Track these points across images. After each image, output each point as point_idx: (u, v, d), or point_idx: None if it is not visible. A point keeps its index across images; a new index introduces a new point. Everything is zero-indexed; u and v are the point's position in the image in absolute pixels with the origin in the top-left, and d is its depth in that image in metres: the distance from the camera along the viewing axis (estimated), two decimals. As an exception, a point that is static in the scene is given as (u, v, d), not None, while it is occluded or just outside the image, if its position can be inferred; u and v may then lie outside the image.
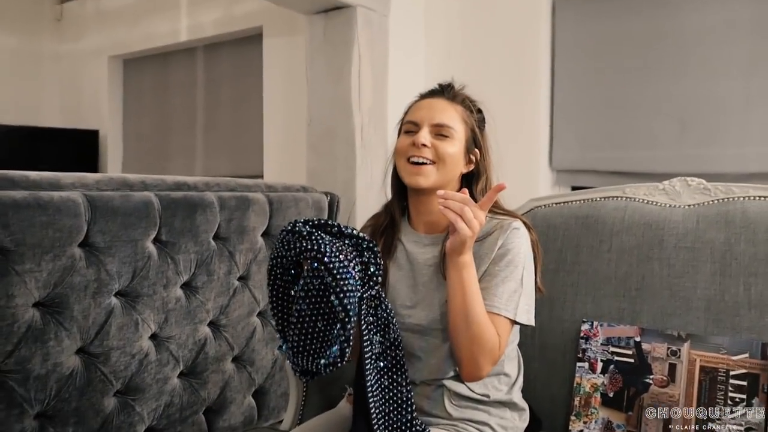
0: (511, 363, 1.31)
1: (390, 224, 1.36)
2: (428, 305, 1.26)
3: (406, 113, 1.34)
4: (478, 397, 1.25)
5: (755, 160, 2.31)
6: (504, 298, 1.20)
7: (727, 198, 1.39)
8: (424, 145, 1.24)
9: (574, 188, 2.79)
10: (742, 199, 1.38)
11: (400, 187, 1.35)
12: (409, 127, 1.29)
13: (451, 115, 1.27)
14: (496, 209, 1.30)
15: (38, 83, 4.45)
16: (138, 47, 3.99)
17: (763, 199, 1.36)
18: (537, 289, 1.28)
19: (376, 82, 2.72)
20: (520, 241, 1.25)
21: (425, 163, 1.25)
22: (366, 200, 2.54)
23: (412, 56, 2.98)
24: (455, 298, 1.17)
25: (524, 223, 1.28)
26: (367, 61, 2.68)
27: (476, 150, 1.31)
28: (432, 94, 1.33)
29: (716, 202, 1.40)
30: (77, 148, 4.16)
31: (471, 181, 1.32)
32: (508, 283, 1.21)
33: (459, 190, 1.28)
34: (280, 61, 3.25)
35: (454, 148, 1.26)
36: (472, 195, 1.27)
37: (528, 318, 1.23)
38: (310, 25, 2.77)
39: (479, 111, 1.34)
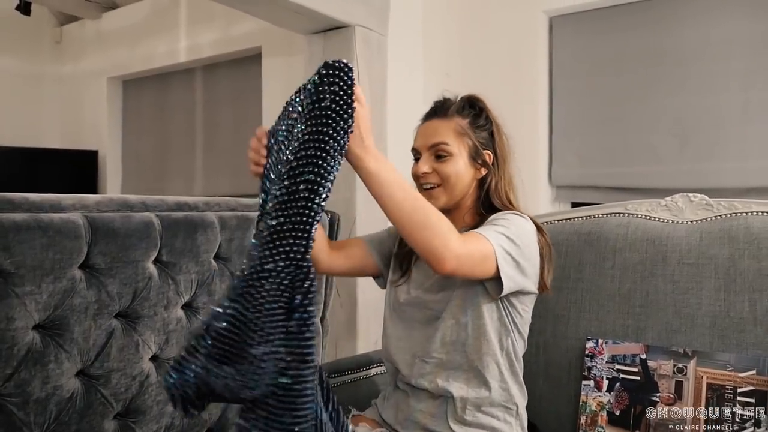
0: (520, 392, 1.32)
1: None
2: (430, 283, 1.33)
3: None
4: (485, 409, 1.25)
5: (755, 174, 2.31)
6: (487, 232, 1.18)
7: (730, 214, 1.39)
8: (425, 173, 1.32)
9: (573, 204, 2.79)
10: (745, 214, 1.37)
11: None
12: (414, 153, 1.38)
13: (444, 133, 1.32)
14: (506, 208, 1.33)
15: (38, 105, 4.46)
16: (137, 68, 4.01)
17: (766, 214, 1.36)
18: (543, 285, 1.30)
19: (375, 101, 2.73)
20: (516, 217, 1.26)
21: (433, 187, 1.32)
22: (366, 218, 2.53)
23: (411, 75, 2.99)
24: (376, 191, 1.11)
25: (534, 223, 1.30)
26: (366, 80, 2.69)
27: (486, 153, 1.34)
28: (427, 116, 1.38)
29: (719, 217, 1.40)
30: (76, 169, 4.16)
31: (486, 184, 1.35)
32: (497, 228, 1.20)
33: (478, 196, 1.35)
34: (279, 80, 3.26)
35: (456, 165, 1.31)
36: (486, 194, 1.33)
37: (507, 273, 1.18)
38: (308, 45, 2.78)
39: (480, 111, 1.36)
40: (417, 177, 1.34)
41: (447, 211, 1.34)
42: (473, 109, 1.36)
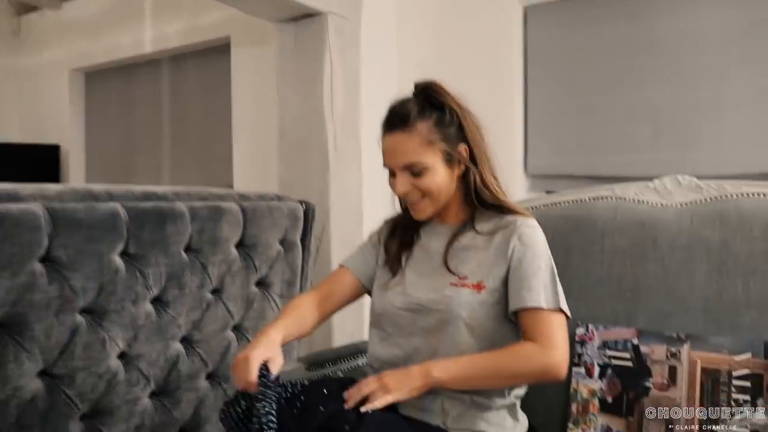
0: (522, 419, 1.29)
1: (410, 224, 1.37)
2: (429, 287, 1.26)
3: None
4: (478, 401, 1.19)
5: (729, 162, 2.32)
6: (542, 291, 1.18)
7: (720, 196, 1.36)
8: (406, 192, 1.26)
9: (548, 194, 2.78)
10: (735, 196, 1.35)
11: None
12: (387, 169, 1.29)
13: (412, 150, 1.23)
14: (503, 207, 1.28)
15: (-4, 98, 4.32)
16: (100, 59, 3.91)
17: (757, 195, 1.34)
18: None
19: (349, 91, 2.67)
20: (536, 237, 1.23)
21: (417, 201, 1.26)
22: (340, 210, 2.48)
23: (385, 64, 2.94)
24: (471, 383, 1.17)
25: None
26: (339, 69, 2.63)
27: (460, 147, 1.26)
28: (388, 128, 1.27)
29: (709, 200, 1.37)
30: (37, 164, 4.04)
31: (468, 177, 1.28)
32: (540, 275, 1.19)
33: (464, 191, 1.29)
34: (249, 71, 3.19)
35: (434, 175, 1.24)
36: (474, 191, 1.27)
37: (567, 308, 1.20)
38: (280, 34, 2.71)
39: (441, 105, 1.25)
40: (398, 193, 1.27)
41: (437, 214, 1.31)
42: (433, 106, 1.25)
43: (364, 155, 2.68)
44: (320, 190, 2.46)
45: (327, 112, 2.57)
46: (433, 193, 1.24)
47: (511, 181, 2.65)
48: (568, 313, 1.20)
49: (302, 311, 1.32)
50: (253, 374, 1.11)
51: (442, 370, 1.14)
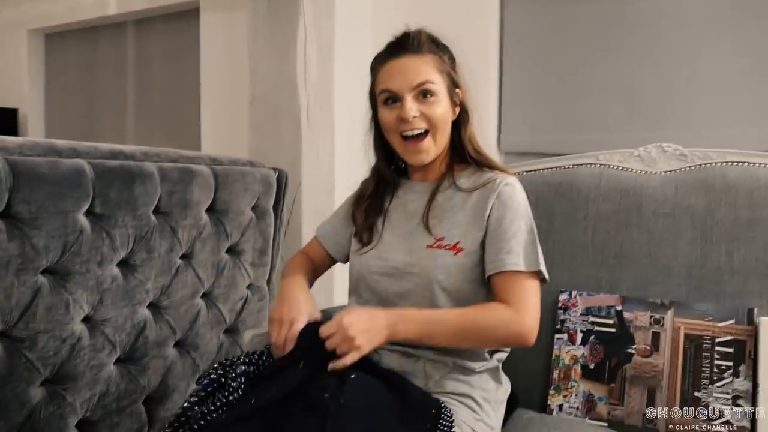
0: (504, 382, 1.26)
1: (380, 190, 1.32)
2: (405, 249, 1.22)
3: (374, 79, 1.25)
4: (461, 364, 1.16)
5: (701, 143, 2.33)
6: (521, 253, 1.13)
7: (705, 164, 1.36)
8: (415, 116, 1.18)
9: (523, 171, 2.77)
10: (720, 164, 1.35)
11: (387, 152, 1.30)
12: (387, 96, 1.21)
13: (426, 70, 1.18)
14: (484, 163, 1.25)
15: (-52, 59, 4.12)
16: (61, 20, 3.76)
17: (741, 164, 1.34)
18: None
19: (323, 59, 2.61)
20: (516, 197, 1.19)
21: (420, 135, 1.19)
22: (312, 181, 2.43)
23: (359, 33, 2.88)
24: (436, 341, 1.13)
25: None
26: (313, 37, 2.56)
27: (457, 90, 1.23)
28: (395, 52, 1.21)
29: (694, 167, 1.36)
30: (-6, 127, 3.87)
31: (458, 126, 1.25)
32: (519, 237, 1.15)
33: (451, 143, 1.25)
34: (219, 37, 3.09)
35: (442, 105, 1.19)
36: (460, 143, 1.24)
37: (545, 270, 1.16)
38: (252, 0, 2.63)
39: (444, 47, 1.25)
40: (400, 122, 1.19)
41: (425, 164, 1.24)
42: (436, 44, 1.24)
43: (337, 125, 2.63)
44: (292, 160, 2.40)
45: (300, 81, 2.51)
46: (439, 124, 1.19)
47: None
48: (546, 276, 1.16)
49: (304, 273, 1.33)
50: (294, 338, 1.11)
51: (408, 329, 1.09)
